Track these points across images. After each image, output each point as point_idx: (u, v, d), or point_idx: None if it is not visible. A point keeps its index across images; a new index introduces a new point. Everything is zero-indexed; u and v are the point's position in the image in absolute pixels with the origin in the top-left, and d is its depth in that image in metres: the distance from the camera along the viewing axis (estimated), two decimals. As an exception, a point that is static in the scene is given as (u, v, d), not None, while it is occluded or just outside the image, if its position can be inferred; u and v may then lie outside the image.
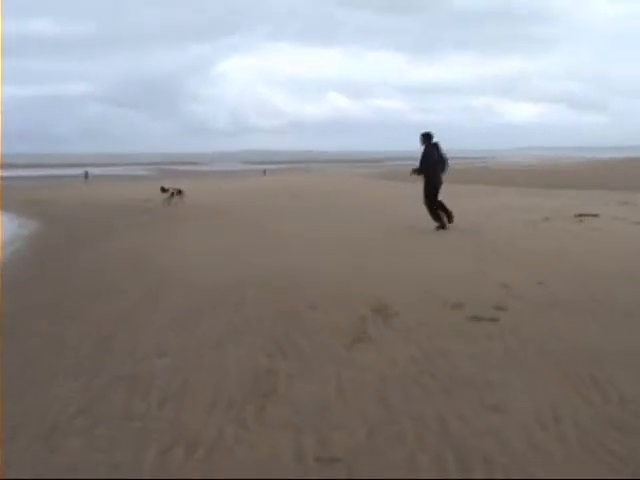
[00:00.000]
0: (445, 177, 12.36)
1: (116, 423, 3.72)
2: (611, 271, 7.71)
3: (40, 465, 3.26)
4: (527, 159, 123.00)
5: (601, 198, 18.55)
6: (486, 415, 3.68)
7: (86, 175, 53.28)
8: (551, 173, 42.57)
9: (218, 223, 14.71)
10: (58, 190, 33.21)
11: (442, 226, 12.02)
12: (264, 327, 5.58)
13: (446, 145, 12.44)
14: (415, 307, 6.15)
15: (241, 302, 6.53)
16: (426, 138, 12.14)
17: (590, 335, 5.12)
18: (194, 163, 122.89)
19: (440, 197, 12.25)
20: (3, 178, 44.35)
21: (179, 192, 21.88)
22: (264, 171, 68.39)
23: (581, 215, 13.70)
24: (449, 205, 12.30)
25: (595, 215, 13.64)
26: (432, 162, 12.07)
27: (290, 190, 28.11)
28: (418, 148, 12.28)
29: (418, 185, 12.73)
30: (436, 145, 12.15)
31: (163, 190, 22.21)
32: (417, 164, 12.36)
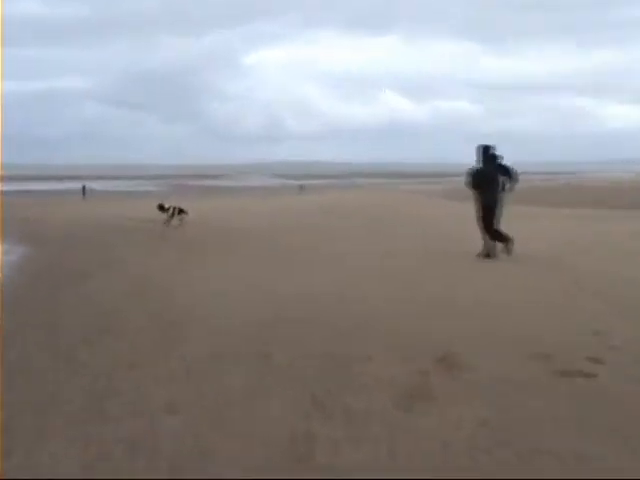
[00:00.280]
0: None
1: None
2: None
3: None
4: (633, 174, 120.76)
5: None
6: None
7: (84, 190, 54.64)
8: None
9: (240, 254, 14.79)
10: (52, 207, 34.06)
11: (489, 254, 12.52)
12: (297, 376, 5.58)
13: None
14: (487, 356, 6.11)
15: (270, 346, 6.56)
16: (484, 152, 12.91)
17: None
18: (214, 177, 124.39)
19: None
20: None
21: (180, 211, 22.06)
22: (300, 186, 68.83)
23: None
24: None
25: None
26: (488, 180, 12.79)
27: (329, 209, 28.19)
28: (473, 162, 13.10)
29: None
30: (494, 158, 12.89)
31: (161, 209, 22.30)
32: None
